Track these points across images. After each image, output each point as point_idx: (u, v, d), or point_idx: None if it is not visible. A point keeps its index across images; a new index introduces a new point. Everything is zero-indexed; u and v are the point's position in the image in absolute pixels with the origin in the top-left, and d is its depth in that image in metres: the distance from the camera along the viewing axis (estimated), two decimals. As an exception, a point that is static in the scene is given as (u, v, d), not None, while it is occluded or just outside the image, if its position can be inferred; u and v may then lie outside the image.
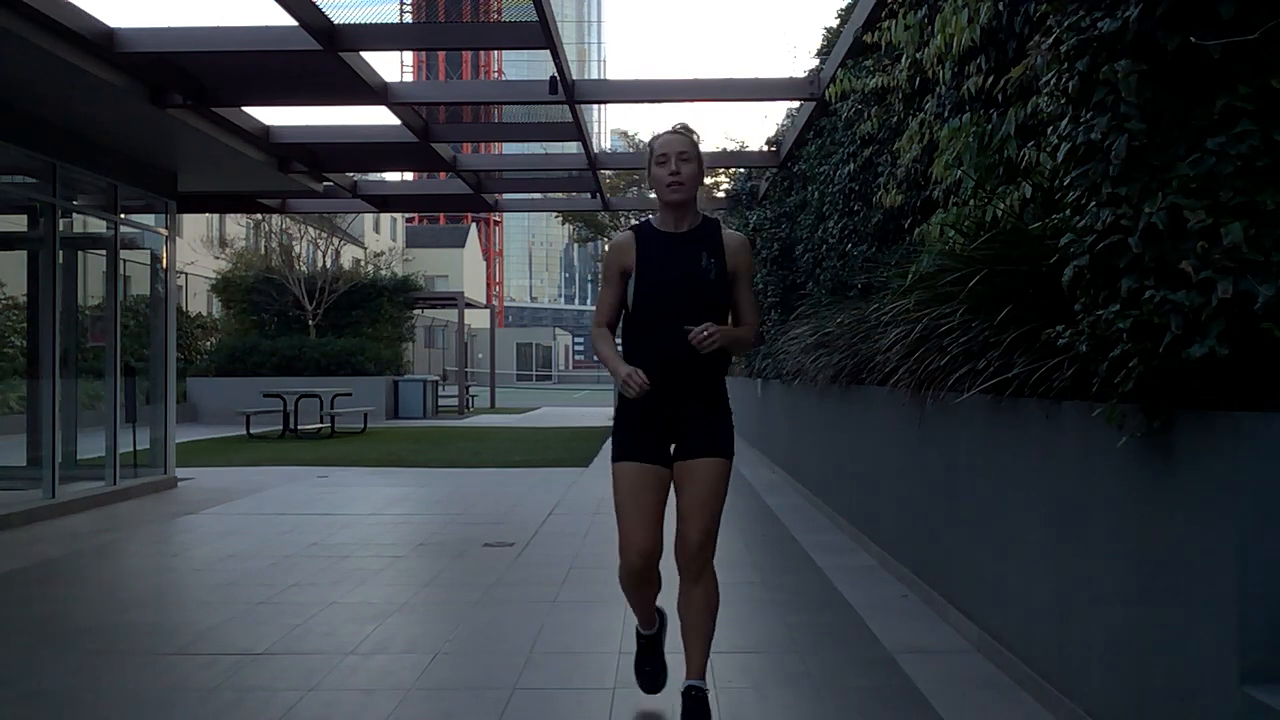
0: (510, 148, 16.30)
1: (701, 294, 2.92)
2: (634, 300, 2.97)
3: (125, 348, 8.74)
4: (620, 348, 3.04)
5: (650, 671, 3.24)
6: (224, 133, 8.21)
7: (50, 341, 7.65)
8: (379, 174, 14.19)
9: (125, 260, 8.95)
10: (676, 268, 2.94)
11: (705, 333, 2.79)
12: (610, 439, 3.10)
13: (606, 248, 3.09)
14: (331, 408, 16.66)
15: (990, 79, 4.45)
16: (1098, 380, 2.55)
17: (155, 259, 9.48)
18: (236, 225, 28.82)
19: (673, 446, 3.01)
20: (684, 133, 2.98)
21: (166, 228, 9.40)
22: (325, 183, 10.62)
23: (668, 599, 3.33)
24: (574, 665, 3.66)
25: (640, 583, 3.06)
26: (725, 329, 2.88)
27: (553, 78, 7.16)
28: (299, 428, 16.09)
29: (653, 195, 3.10)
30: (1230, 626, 2.14)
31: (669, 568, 3.04)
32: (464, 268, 56.35)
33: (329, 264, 25.79)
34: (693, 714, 2.93)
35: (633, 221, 29.08)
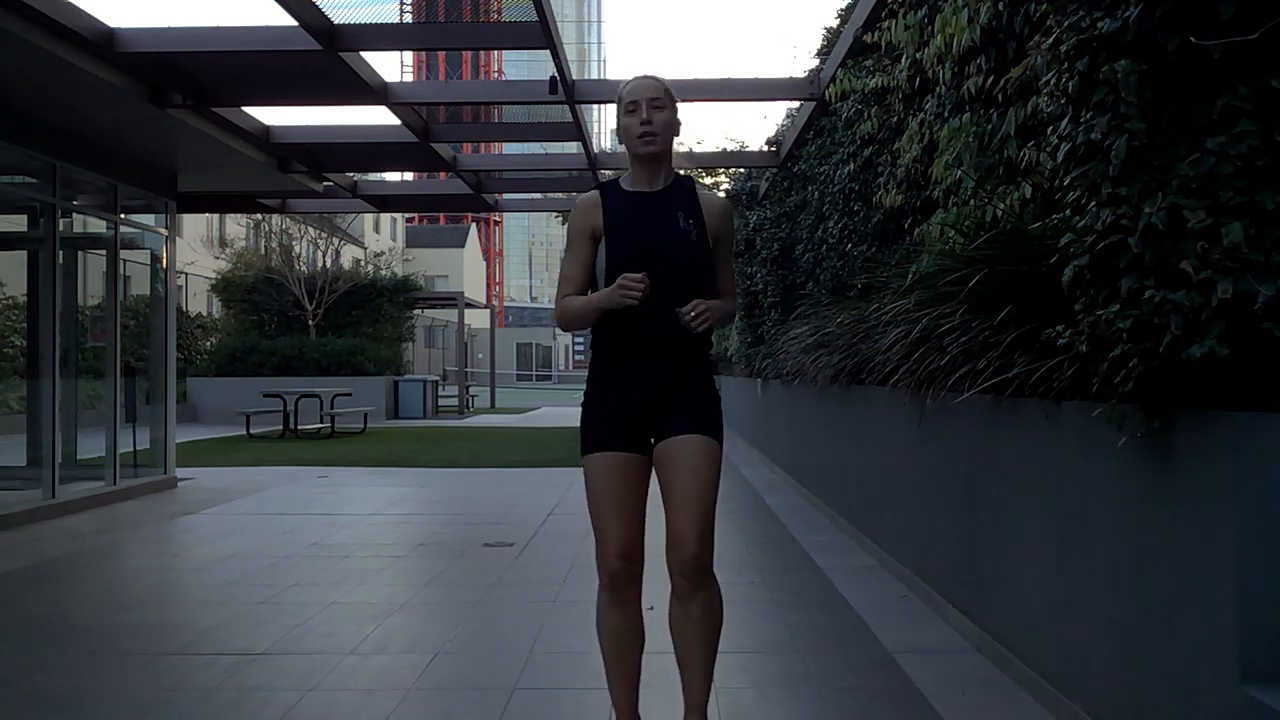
0: (510, 148, 16.29)
1: (683, 258, 2.60)
2: (606, 270, 2.63)
3: (125, 348, 8.74)
4: (592, 331, 2.70)
5: None
6: (224, 133, 8.21)
7: (50, 341, 7.65)
8: (379, 174, 14.19)
9: (125, 260, 8.95)
10: (652, 230, 2.62)
11: (696, 312, 2.50)
12: (580, 424, 2.75)
13: (573, 208, 2.76)
14: (331, 408, 16.66)
15: (990, 79, 4.45)
16: (1098, 380, 2.55)
17: (155, 259, 9.48)
18: (236, 225, 28.81)
19: (652, 433, 2.67)
20: (655, 78, 2.70)
21: (166, 228, 9.39)
22: (325, 183, 10.62)
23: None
24: (574, 665, 3.66)
25: (620, 601, 2.67)
26: (715, 306, 2.58)
27: (553, 78, 7.16)
28: (299, 428, 16.08)
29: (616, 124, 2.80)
30: (1230, 626, 2.14)
31: (653, 626, 2.80)
32: (464, 268, 56.33)
33: (329, 264, 25.78)
34: None
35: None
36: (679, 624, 2.65)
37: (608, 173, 13.22)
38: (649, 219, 2.65)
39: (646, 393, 2.64)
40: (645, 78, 2.69)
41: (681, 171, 2.80)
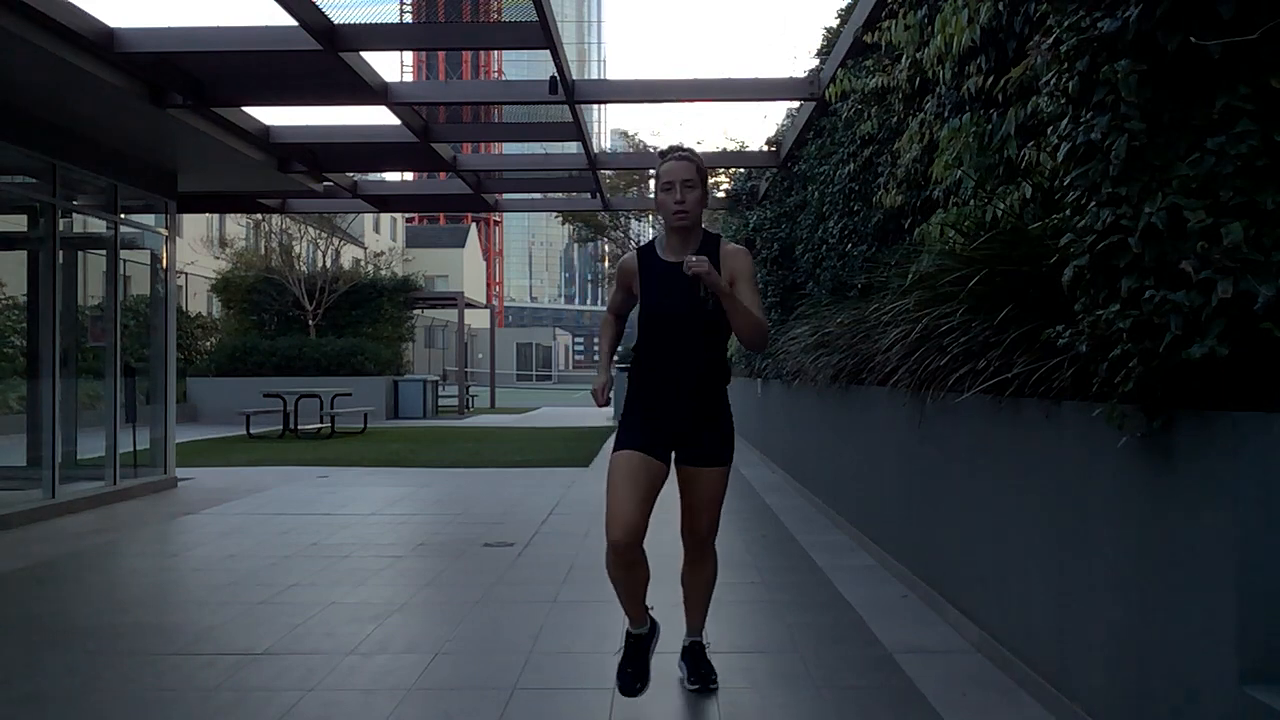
0: (510, 148, 16.30)
1: (701, 324, 3.08)
2: (640, 329, 3.19)
3: (125, 348, 8.74)
4: (631, 365, 3.25)
5: (632, 674, 3.21)
6: (224, 133, 8.21)
7: (50, 341, 7.65)
8: (379, 174, 14.19)
9: (125, 260, 8.95)
10: (677, 300, 3.08)
11: (698, 259, 2.86)
12: (615, 434, 3.24)
13: (617, 264, 3.38)
14: (331, 408, 16.66)
15: (990, 79, 4.45)
16: (1098, 380, 2.55)
17: (155, 259, 9.47)
18: (236, 225, 28.82)
19: (675, 452, 3.18)
20: (689, 158, 3.08)
21: (166, 228, 9.39)
22: (325, 183, 10.63)
23: (662, 614, 3.40)
24: (574, 665, 3.66)
25: (624, 564, 3.06)
26: (722, 285, 2.94)
27: (553, 78, 7.16)
28: (299, 428, 16.09)
29: (653, 196, 3.29)
30: (1230, 626, 2.14)
31: (657, 561, 3.20)
32: (464, 268, 56.33)
33: (329, 264, 25.78)
34: (697, 661, 3.36)
35: (633, 228, 29.16)
36: (690, 579, 3.38)
37: (608, 173, 13.18)
38: (675, 291, 3.08)
39: (673, 419, 3.14)
40: (680, 160, 3.08)
41: (707, 229, 3.23)
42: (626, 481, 3.03)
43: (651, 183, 3.48)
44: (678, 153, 3.11)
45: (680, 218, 3.06)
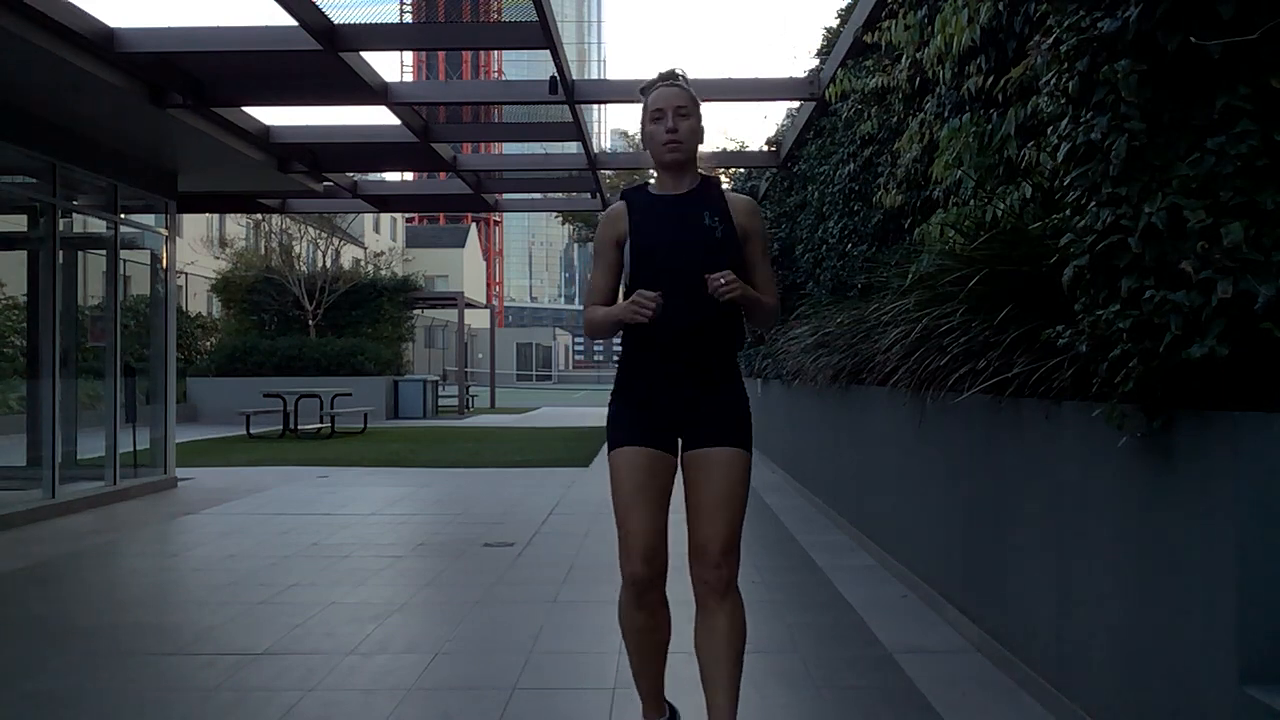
0: (510, 148, 16.29)
1: (708, 255, 2.52)
2: (631, 269, 2.61)
3: (125, 348, 8.74)
4: (621, 333, 2.68)
5: None
6: (224, 133, 8.21)
7: (50, 341, 7.65)
8: (379, 174, 14.20)
9: (125, 260, 8.95)
10: (678, 228, 2.59)
11: (725, 280, 2.41)
12: (607, 426, 2.72)
13: (599, 219, 2.79)
14: (331, 408, 16.66)
15: (990, 79, 4.45)
16: (1098, 380, 2.55)
17: (155, 259, 9.48)
18: (236, 225, 28.83)
19: (680, 438, 2.63)
20: (681, 85, 2.65)
21: (166, 228, 9.39)
22: (325, 183, 10.63)
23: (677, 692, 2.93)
24: (574, 665, 3.66)
25: (643, 603, 2.57)
26: (745, 285, 2.51)
27: (553, 78, 7.16)
28: (299, 428, 16.09)
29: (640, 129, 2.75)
30: (1230, 626, 2.14)
31: (677, 612, 2.71)
32: (464, 268, 56.32)
33: (329, 264, 25.79)
34: None
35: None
36: (704, 639, 2.55)
37: (608, 173, 13.18)
38: (675, 217, 2.61)
39: (674, 392, 2.58)
40: (672, 85, 2.64)
41: (705, 172, 2.76)
42: (633, 488, 2.53)
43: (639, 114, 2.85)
44: (669, 79, 2.66)
45: (673, 149, 2.58)
